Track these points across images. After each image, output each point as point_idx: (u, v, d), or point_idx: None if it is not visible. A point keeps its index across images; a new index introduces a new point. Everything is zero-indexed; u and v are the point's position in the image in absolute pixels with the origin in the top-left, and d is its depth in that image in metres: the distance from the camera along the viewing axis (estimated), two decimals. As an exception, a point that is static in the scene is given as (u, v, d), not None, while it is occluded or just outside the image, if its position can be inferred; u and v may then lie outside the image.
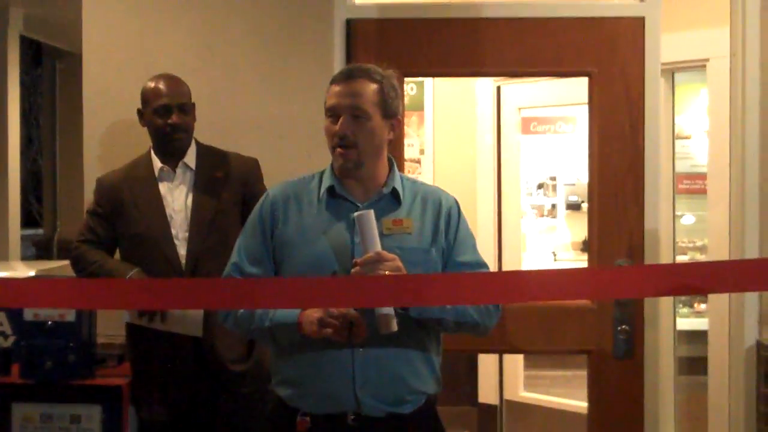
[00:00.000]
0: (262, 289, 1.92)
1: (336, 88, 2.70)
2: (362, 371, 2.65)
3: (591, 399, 3.90)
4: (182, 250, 3.54)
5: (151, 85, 3.60)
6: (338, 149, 2.70)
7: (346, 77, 2.71)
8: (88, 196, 3.80)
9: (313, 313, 2.61)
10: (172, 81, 3.61)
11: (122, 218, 3.60)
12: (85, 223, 3.67)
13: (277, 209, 2.78)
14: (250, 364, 3.58)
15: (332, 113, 2.70)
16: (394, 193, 2.76)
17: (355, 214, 2.60)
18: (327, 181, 2.76)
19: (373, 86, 2.71)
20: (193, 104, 3.65)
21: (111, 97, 3.96)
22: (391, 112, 2.74)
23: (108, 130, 3.97)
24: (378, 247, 2.56)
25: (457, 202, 2.85)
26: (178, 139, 3.58)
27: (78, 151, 4.06)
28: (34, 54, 10.17)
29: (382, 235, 2.64)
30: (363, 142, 2.69)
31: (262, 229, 2.78)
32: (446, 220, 2.78)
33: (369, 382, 2.66)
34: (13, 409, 3.54)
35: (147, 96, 3.60)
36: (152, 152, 3.65)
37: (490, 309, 2.76)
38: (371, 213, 2.58)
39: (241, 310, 2.75)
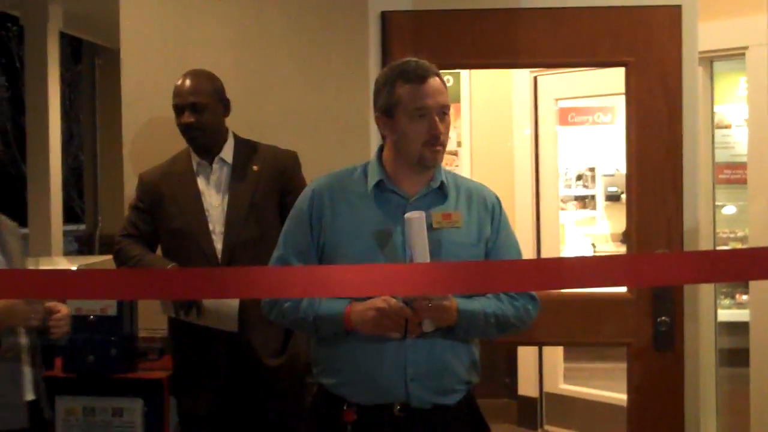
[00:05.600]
0: (301, 276, 1.93)
1: (419, 87, 2.70)
2: (414, 361, 2.67)
3: (631, 391, 3.87)
4: (219, 245, 3.57)
5: (176, 83, 3.64)
6: (436, 147, 2.71)
7: (425, 75, 2.72)
8: (129, 190, 3.84)
9: (366, 311, 2.63)
10: (193, 79, 3.64)
11: (162, 213, 3.64)
12: (128, 218, 3.72)
13: (324, 202, 2.78)
14: (285, 359, 3.60)
15: (424, 112, 2.70)
16: (442, 186, 2.78)
17: (406, 216, 2.61)
18: (375, 175, 2.76)
19: (443, 84, 2.75)
20: (224, 100, 3.67)
21: (149, 92, 4.00)
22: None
23: (147, 125, 4.01)
24: (426, 252, 2.57)
25: (498, 199, 2.88)
26: (193, 138, 3.61)
27: (118, 147, 4.11)
28: (73, 50, 10.28)
29: (431, 229, 2.66)
30: (446, 139, 2.75)
31: (309, 222, 2.77)
32: (490, 217, 2.81)
33: (420, 372, 2.67)
34: (56, 402, 3.59)
35: (172, 95, 3.64)
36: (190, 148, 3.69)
37: (529, 309, 2.81)
38: (422, 217, 2.58)
39: (287, 303, 2.76)
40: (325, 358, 2.79)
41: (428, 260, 2.56)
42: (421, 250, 2.56)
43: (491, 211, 2.82)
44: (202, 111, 3.60)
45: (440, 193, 2.77)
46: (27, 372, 2.95)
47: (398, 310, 2.60)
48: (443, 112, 2.71)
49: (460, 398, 2.76)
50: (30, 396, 2.97)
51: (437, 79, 2.73)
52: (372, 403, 2.69)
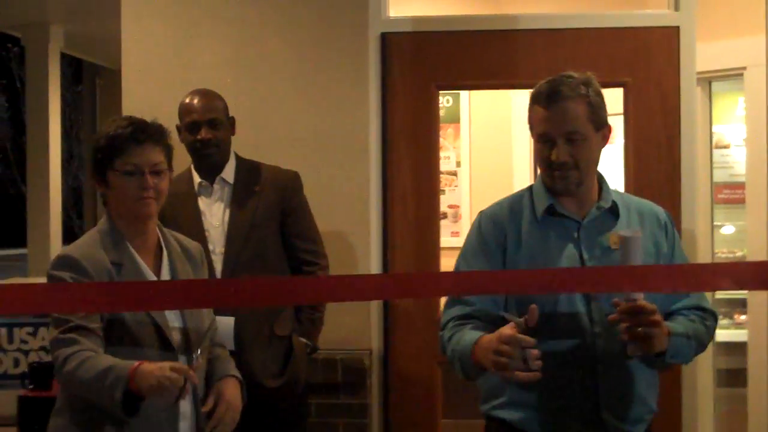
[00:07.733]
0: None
1: (544, 112, 2.58)
2: (607, 392, 2.56)
3: (630, 410, 3.87)
4: (219, 265, 3.56)
5: (185, 101, 3.63)
6: (557, 172, 2.59)
7: (552, 98, 2.57)
8: (128, 211, 3.84)
9: (490, 344, 2.44)
10: (204, 96, 3.64)
11: (163, 233, 3.64)
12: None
13: (501, 229, 2.67)
14: (285, 380, 3.59)
15: (546, 139, 2.58)
16: (612, 207, 2.65)
17: (621, 233, 2.45)
18: (543, 200, 2.66)
19: (582, 104, 2.58)
20: (231, 119, 3.68)
21: (150, 112, 3.97)
22: (603, 121, 2.63)
23: (147, 146, 4.02)
24: None
25: (670, 216, 2.75)
26: (208, 155, 3.60)
27: (118, 167, 4.11)
28: (74, 71, 10.31)
29: (610, 251, 2.56)
30: (582, 162, 2.58)
31: (489, 250, 2.67)
32: (664, 233, 2.69)
33: (613, 403, 2.56)
34: (51, 422, 3.57)
35: (180, 112, 3.64)
36: (192, 167, 3.69)
37: (713, 327, 2.69)
38: (639, 235, 2.42)
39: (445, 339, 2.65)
40: (507, 391, 2.62)
41: None
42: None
43: (664, 227, 2.69)
44: (218, 127, 3.60)
45: (611, 214, 2.64)
46: (186, 415, 2.85)
47: (513, 342, 2.37)
48: (570, 138, 2.55)
49: (646, 427, 2.64)
50: None
51: (571, 101, 2.56)
52: None
